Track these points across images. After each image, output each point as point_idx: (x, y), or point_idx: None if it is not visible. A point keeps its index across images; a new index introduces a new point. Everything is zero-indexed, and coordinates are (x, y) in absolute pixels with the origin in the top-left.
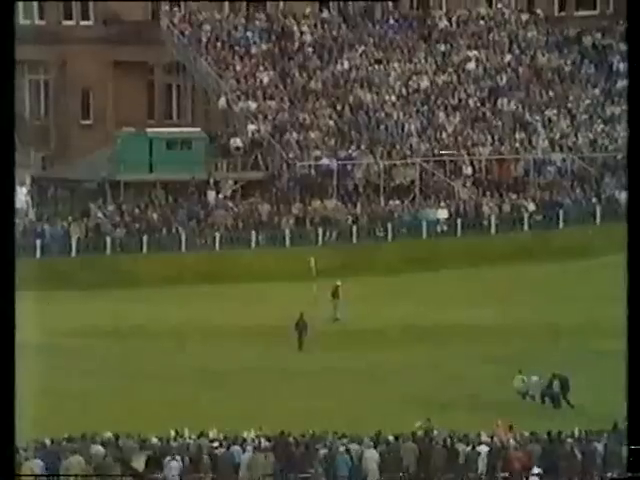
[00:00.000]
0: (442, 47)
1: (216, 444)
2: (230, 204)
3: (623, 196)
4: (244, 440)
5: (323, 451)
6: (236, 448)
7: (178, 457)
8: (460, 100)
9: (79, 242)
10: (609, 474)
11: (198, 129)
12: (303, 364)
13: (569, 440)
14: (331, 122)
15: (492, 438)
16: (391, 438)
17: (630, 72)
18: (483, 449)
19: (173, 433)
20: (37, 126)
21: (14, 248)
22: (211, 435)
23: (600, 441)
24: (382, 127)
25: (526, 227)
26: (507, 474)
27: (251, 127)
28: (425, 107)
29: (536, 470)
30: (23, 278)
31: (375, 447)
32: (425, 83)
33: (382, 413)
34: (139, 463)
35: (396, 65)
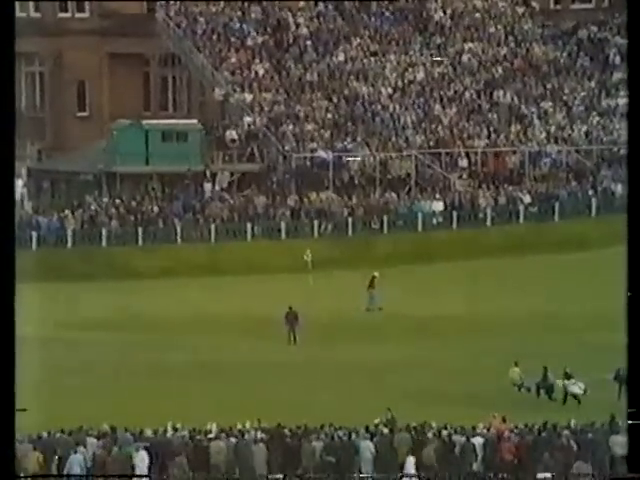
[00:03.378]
0: (438, 39)
1: (212, 436)
2: (226, 196)
3: (619, 188)
4: (241, 432)
5: (318, 443)
6: (233, 440)
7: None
8: (456, 92)
9: (75, 234)
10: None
11: (194, 121)
12: (296, 357)
13: (565, 432)
14: (327, 114)
15: (487, 430)
16: (385, 430)
17: (629, 65)
18: (478, 441)
19: (169, 426)
20: (33, 118)
21: (14, 241)
22: (208, 428)
23: (594, 433)
24: (378, 119)
25: (522, 219)
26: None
27: (247, 119)
28: (421, 99)
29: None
30: (19, 270)
31: (371, 439)
32: (421, 75)
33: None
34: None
35: (392, 57)
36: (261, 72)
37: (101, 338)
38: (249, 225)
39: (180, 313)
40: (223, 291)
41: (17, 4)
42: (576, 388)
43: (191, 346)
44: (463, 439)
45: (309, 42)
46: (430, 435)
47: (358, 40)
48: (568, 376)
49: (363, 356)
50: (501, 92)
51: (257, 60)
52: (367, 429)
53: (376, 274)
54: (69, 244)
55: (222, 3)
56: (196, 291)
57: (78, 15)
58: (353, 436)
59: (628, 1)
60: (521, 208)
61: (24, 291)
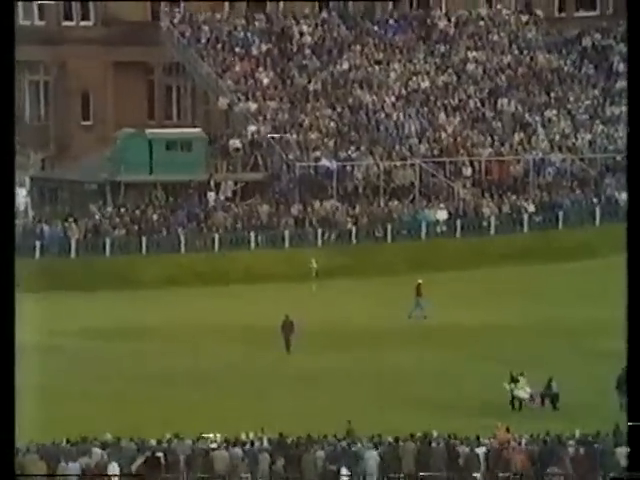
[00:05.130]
0: (442, 48)
1: (215, 445)
2: (230, 205)
3: (622, 196)
4: (244, 442)
5: (321, 452)
6: (236, 450)
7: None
8: (460, 101)
9: (78, 243)
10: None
11: (198, 130)
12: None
13: (570, 442)
14: (331, 123)
15: (490, 440)
16: (390, 439)
17: (630, 73)
18: (481, 451)
19: (171, 435)
20: (37, 127)
21: (14, 249)
22: (211, 437)
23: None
24: (382, 128)
25: (526, 228)
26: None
27: (251, 128)
28: (425, 108)
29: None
30: (22, 279)
31: (375, 448)
32: (425, 84)
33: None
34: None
35: (396, 66)
36: (265, 81)
37: (103, 347)
38: (253, 234)
39: (183, 322)
40: (226, 300)
41: (21, 13)
42: (522, 392)
43: (191, 355)
44: (467, 449)
45: (313, 50)
46: (434, 444)
47: (362, 48)
48: (514, 380)
49: (362, 365)
50: (505, 100)
51: (261, 69)
52: (372, 439)
53: (420, 281)
54: (72, 253)
55: (226, 12)
56: (199, 300)
57: (82, 23)
58: (358, 445)
59: (628, 9)
60: (525, 217)
61: (27, 300)
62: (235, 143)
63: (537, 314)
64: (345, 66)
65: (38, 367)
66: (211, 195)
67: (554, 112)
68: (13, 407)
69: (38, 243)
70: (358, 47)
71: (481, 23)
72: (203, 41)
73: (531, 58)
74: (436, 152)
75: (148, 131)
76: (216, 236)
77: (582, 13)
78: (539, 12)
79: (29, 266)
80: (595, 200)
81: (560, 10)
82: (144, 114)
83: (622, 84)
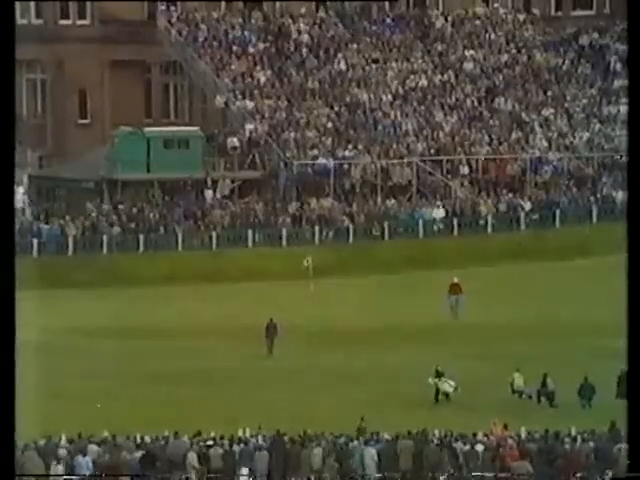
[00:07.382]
0: (439, 46)
1: (210, 442)
2: (227, 203)
3: (619, 195)
4: (240, 440)
5: (318, 449)
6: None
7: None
8: (457, 99)
9: (76, 241)
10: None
11: (195, 128)
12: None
13: (566, 439)
14: (328, 121)
15: (487, 437)
16: (388, 436)
17: (630, 72)
18: (479, 448)
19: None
20: (34, 125)
21: (14, 247)
22: (207, 435)
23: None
24: (379, 126)
25: (523, 226)
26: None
27: (248, 126)
28: (422, 107)
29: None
30: (20, 277)
31: (373, 445)
32: (422, 82)
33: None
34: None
35: (393, 64)
36: (262, 79)
37: (98, 345)
38: (250, 232)
39: (178, 321)
40: (223, 298)
41: (18, 11)
42: (447, 386)
43: (191, 353)
44: (466, 447)
45: (310, 49)
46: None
47: (359, 47)
48: (439, 374)
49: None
50: (502, 99)
51: (258, 67)
52: (372, 436)
53: (456, 280)
54: (70, 251)
55: (223, 10)
56: (196, 298)
57: (79, 22)
58: (355, 443)
59: (628, 7)
60: (522, 215)
61: (25, 298)
62: (233, 141)
63: (535, 312)
64: (342, 65)
65: (35, 365)
66: (208, 193)
67: (551, 111)
68: (13, 407)
69: (35, 241)
70: (355, 46)
71: (478, 22)
72: (200, 40)
73: (528, 57)
74: (433, 151)
75: (145, 129)
76: (213, 234)
77: (579, 12)
78: (536, 11)
79: (27, 264)
80: (592, 199)
81: (557, 9)
82: (141, 112)
83: (619, 83)
